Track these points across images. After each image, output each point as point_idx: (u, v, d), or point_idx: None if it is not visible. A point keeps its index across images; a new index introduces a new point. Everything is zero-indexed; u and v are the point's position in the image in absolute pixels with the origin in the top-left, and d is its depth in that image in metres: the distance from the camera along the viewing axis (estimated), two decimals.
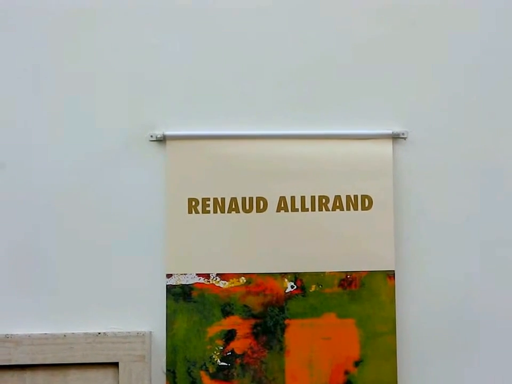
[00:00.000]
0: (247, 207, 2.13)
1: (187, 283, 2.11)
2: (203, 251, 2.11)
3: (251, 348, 2.11)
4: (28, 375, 2.07)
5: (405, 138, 2.18)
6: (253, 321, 2.11)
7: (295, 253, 2.12)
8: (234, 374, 2.10)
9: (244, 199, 2.13)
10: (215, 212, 2.13)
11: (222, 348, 2.10)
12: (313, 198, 2.14)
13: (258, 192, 2.14)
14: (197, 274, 2.11)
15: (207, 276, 2.11)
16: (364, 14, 2.20)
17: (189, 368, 2.09)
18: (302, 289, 2.12)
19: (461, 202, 2.18)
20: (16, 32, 2.17)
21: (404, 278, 2.14)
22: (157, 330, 2.10)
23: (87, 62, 2.17)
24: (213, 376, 2.10)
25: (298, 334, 2.11)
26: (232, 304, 2.11)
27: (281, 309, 2.12)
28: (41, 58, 2.16)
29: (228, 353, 2.10)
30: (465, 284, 2.16)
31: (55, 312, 2.10)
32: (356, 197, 2.14)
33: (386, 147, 2.16)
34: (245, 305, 2.11)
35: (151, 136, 2.15)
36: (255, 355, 2.11)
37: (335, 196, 2.14)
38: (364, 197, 2.14)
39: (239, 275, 2.12)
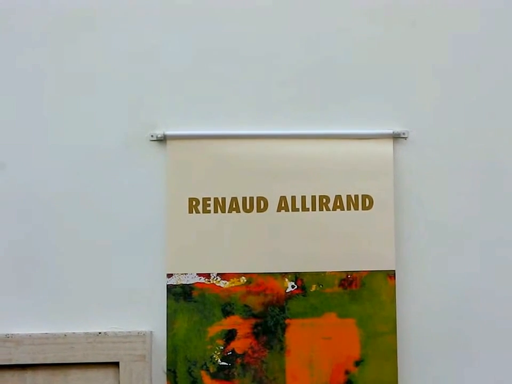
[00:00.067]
0: (248, 207, 2.13)
1: (187, 283, 2.11)
2: (204, 251, 2.11)
3: (251, 347, 2.11)
4: (28, 375, 2.06)
5: (405, 138, 2.18)
6: (253, 321, 2.11)
7: (296, 252, 2.12)
8: (235, 373, 2.10)
9: (244, 198, 2.13)
10: (215, 211, 2.13)
11: (222, 347, 2.10)
12: (313, 197, 2.14)
13: (259, 192, 2.14)
14: (197, 274, 2.11)
15: (207, 275, 2.11)
16: (364, 14, 2.21)
17: (189, 368, 2.09)
18: (303, 289, 2.12)
19: (461, 202, 2.18)
20: (16, 32, 2.17)
21: (404, 278, 2.14)
22: (158, 330, 2.10)
23: (87, 62, 2.17)
24: (213, 376, 2.10)
25: (298, 333, 2.11)
26: (233, 304, 2.11)
27: (282, 309, 2.11)
28: (41, 58, 2.16)
29: (228, 353, 2.10)
30: (465, 284, 2.16)
31: (55, 311, 2.10)
32: (356, 196, 2.14)
33: (387, 147, 2.16)
34: (246, 305, 2.11)
35: (152, 136, 2.15)
36: (256, 355, 2.10)
37: (336, 196, 2.14)
38: (364, 196, 2.14)
39: (239, 275, 2.12)
